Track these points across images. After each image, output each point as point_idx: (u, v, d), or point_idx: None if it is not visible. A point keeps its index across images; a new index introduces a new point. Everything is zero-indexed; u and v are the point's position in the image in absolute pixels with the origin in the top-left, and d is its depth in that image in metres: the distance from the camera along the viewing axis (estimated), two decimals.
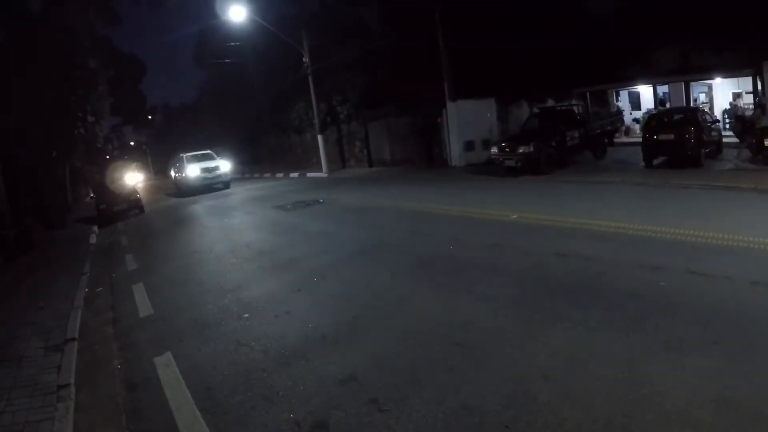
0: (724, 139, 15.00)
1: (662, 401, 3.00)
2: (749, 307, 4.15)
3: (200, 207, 16.86)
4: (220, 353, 4.51)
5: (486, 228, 8.20)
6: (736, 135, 15.18)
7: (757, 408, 2.85)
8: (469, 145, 19.02)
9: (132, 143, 63.18)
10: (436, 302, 5.08)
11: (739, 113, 16.86)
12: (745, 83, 18.99)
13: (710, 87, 21.28)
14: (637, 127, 22.47)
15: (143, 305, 6.31)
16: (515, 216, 8.70)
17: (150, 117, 58.41)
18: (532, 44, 19.71)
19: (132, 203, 17.85)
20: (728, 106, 18.72)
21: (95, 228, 14.93)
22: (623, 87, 23.52)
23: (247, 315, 5.43)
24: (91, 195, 19.34)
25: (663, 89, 22.73)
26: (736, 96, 19.80)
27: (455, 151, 19.07)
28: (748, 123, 14.43)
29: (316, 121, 24.54)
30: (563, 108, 17.34)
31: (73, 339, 5.25)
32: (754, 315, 3.99)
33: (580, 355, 3.65)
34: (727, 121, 18.71)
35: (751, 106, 17.81)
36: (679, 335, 3.77)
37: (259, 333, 4.86)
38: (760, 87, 16.93)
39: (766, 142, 11.86)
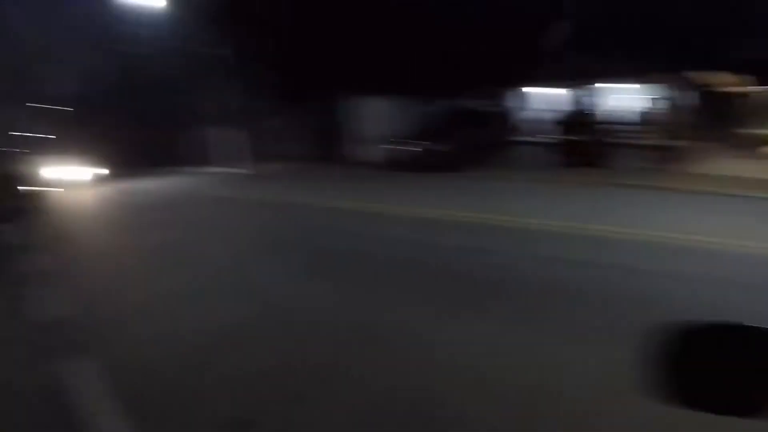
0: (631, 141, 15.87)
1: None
2: None
3: None
4: (137, 354, 4.39)
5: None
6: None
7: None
8: (367, 143, 19.54)
9: None
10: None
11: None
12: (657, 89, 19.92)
13: (625, 90, 22.40)
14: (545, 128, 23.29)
15: (53, 306, 5.97)
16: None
17: None
18: (439, 46, 19.83)
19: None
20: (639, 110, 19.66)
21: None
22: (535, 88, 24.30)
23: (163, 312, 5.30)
24: None
25: (578, 92, 23.79)
26: (647, 101, 20.92)
27: (357, 149, 19.93)
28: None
29: None
30: (465, 108, 18.02)
31: None
32: None
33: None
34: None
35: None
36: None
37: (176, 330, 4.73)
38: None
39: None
